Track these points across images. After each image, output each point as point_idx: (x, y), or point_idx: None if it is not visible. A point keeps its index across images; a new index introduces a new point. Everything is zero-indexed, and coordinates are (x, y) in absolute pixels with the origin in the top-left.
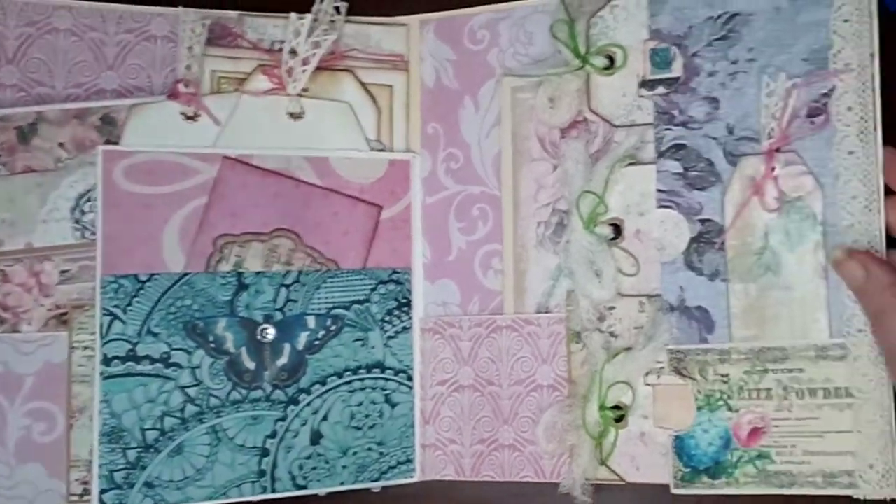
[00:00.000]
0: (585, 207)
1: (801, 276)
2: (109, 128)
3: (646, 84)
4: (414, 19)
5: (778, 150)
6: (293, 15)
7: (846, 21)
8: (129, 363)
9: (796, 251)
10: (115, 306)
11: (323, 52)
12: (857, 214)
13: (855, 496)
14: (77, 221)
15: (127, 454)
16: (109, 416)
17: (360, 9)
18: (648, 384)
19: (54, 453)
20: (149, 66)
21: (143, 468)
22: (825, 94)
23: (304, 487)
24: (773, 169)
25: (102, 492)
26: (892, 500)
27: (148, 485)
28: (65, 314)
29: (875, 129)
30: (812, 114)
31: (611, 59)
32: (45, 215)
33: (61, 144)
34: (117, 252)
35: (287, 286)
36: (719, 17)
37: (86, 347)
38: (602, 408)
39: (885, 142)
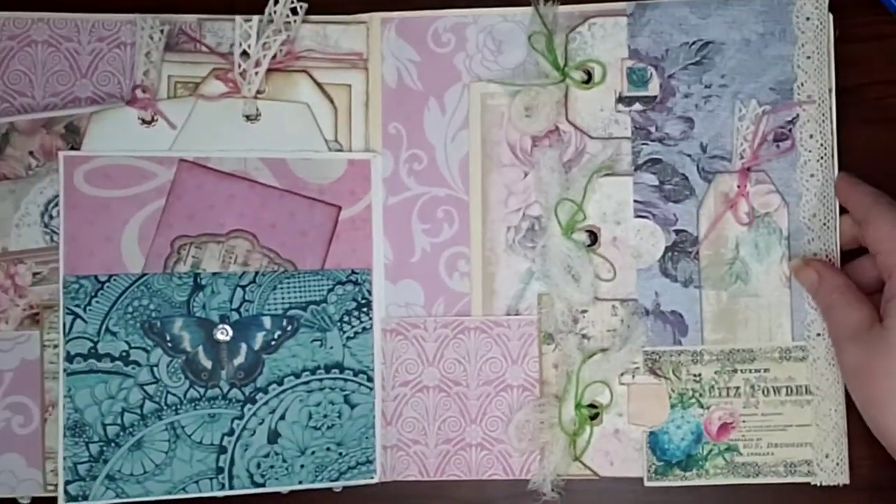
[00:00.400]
0: (564, 214)
1: (768, 284)
2: (73, 136)
3: (623, 100)
4: (374, 17)
5: (749, 169)
6: (238, 18)
7: (808, 58)
8: (91, 360)
9: (764, 262)
10: (77, 306)
11: (273, 53)
12: (817, 230)
13: (812, 483)
14: (46, 226)
15: (90, 448)
16: (73, 410)
17: (319, 8)
18: (624, 383)
19: (31, 444)
20: (119, 72)
21: (105, 462)
22: (790, 122)
23: (261, 485)
24: (745, 186)
25: (67, 483)
26: (845, 486)
27: (110, 478)
28: (37, 314)
29: (832, 155)
30: (778, 139)
31: (588, 74)
32: (17, 220)
33: (31, 153)
34: (79, 254)
35: (243, 287)
36: (694, 43)
37: (55, 346)
38: (578, 406)
39: (840, 167)
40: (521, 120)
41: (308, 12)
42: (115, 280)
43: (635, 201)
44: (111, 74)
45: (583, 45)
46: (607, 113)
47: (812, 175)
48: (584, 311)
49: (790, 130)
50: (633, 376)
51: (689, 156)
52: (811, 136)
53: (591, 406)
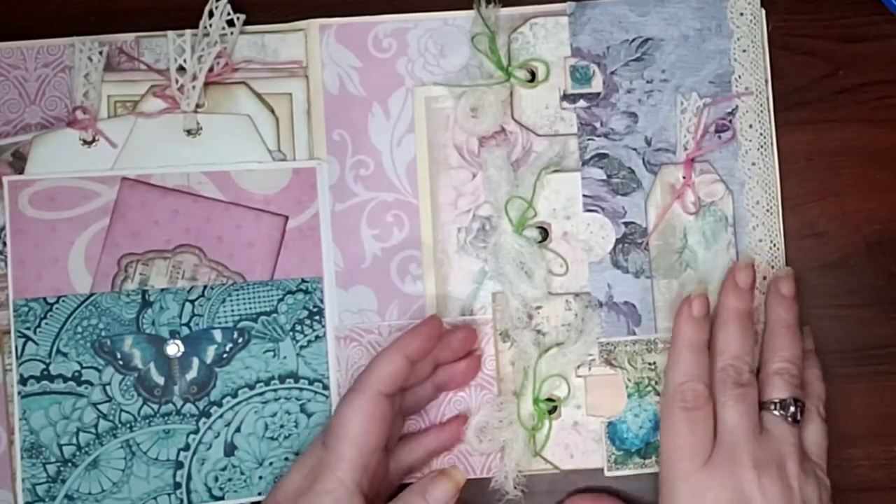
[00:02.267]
0: (514, 212)
1: (716, 271)
2: (20, 162)
3: (567, 97)
4: (313, 24)
5: (693, 160)
6: (171, 33)
7: (744, 51)
8: (44, 382)
9: (712, 249)
10: (27, 328)
11: (209, 66)
12: (761, 216)
13: None
14: (1, 252)
15: (47, 468)
16: (28, 432)
17: (257, 18)
18: (580, 376)
19: (1, 467)
20: (65, 96)
21: (63, 482)
22: (730, 113)
23: (220, 498)
24: (690, 177)
25: None
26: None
27: (69, 497)
28: None
29: (772, 144)
30: (720, 129)
31: (532, 73)
32: None
33: None
34: (27, 276)
35: (192, 301)
36: (633, 40)
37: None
38: (536, 401)
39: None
40: (467, 121)
41: (246, 23)
42: (63, 301)
43: (584, 196)
44: (58, 98)
45: (525, 44)
46: (552, 111)
47: (753, 163)
48: (538, 307)
49: (731, 121)
50: (590, 368)
51: (635, 149)
52: (751, 126)
53: (549, 400)
